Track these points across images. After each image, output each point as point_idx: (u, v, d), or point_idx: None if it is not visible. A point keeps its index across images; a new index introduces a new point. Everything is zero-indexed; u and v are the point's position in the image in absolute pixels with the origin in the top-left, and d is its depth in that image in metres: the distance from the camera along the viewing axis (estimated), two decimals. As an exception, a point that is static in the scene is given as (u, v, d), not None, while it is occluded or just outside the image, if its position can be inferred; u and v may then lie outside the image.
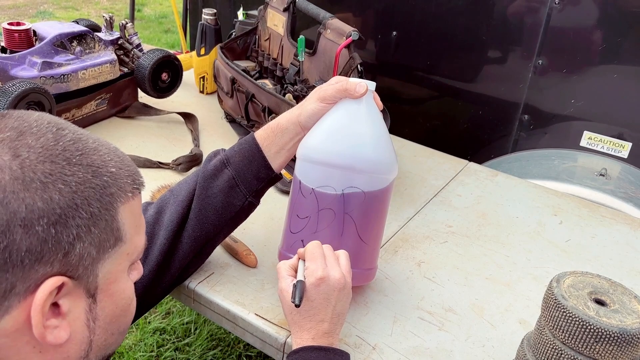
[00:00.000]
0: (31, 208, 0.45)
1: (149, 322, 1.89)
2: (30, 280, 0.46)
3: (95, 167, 0.50)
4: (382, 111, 1.15)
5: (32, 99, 1.08)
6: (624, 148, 1.44)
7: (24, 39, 1.17)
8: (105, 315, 0.54)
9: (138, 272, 0.60)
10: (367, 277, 0.85)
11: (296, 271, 0.76)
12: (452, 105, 1.71)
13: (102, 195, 0.50)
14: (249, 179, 0.83)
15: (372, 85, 0.80)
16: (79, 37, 1.25)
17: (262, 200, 0.88)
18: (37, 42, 1.20)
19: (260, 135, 0.85)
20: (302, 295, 0.70)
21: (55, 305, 0.49)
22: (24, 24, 1.18)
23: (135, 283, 0.77)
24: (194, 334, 1.85)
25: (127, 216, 0.53)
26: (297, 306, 0.69)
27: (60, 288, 0.48)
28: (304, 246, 0.80)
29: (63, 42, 1.22)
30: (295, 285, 0.71)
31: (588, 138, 1.48)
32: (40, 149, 0.47)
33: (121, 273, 0.55)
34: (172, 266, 0.81)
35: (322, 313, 0.71)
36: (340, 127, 0.79)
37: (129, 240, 0.54)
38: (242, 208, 0.84)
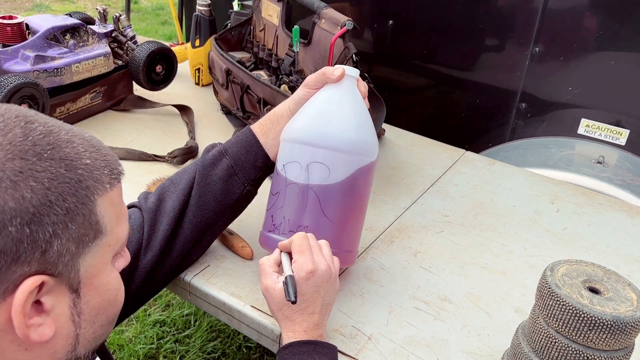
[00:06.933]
0: (2, 209, 0.43)
1: (149, 315, 1.89)
2: (8, 281, 0.45)
3: (69, 161, 0.48)
4: (378, 101, 1.16)
5: (25, 93, 1.07)
6: (622, 135, 1.43)
7: (17, 33, 1.17)
8: (91, 309, 0.53)
9: (125, 259, 0.58)
10: (344, 260, 0.84)
11: (279, 265, 0.75)
12: (449, 94, 1.70)
13: (77, 189, 0.48)
14: (247, 167, 0.85)
15: (354, 71, 0.83)
16: (72, 30, 1.24)
17: (258, 192, 0.88)
18: (30, 35, 1.19)
19: (258, 124, 0.88)
20: (296, 290, 0.69)
21: (37, 302, 0.47)
22: (16, 18, 1.17)
23: (138, 269, 0.77)
24: (194, 326, 1.86)
25: (107, 208, 0.51)
26: (294, 302, 0.68)
27: (40, 287, 0.47)
28: (273, 222, 0.82)
29: (56, 36, 1.21)
30: (285, 283, 0.70)
31: (586, 126, 1.47)
32: (8, 145, 0.45)
33: (104, 265, 0.53)
34: (173, 251, 0.82)
35: (313, 305, 0.72)
36: (314, 107, 0.83)
37: (110, 232, 0.52)
38: (240, 196, 0.85)
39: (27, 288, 0.45)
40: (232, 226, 0.92)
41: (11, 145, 0.46)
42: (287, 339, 0.71)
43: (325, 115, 0.81)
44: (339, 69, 0.82)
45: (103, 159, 0.52)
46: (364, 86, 0.85)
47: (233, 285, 0.86)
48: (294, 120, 0.83)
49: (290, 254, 0.75)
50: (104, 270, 0.53)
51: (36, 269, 0.46)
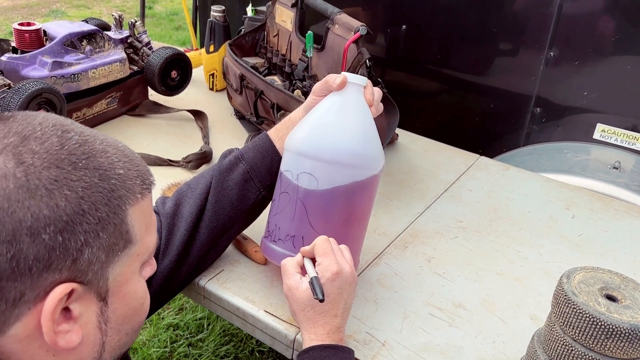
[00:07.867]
0: (37, 216, 0.44)
1: (163, 318, 1.90)
2: (39, 287, 0.45)
3: (103, 170, 0.49)
4: (392, 105, 1.16)
5: (43, 98, 1.09)
6: (638, 140, 1.42)
7: (35, 39, 1.18)
8: (117, 317, 0.53)
9: (151, 268, 0.59)
10: None
11: (302, 268, 0.75)
12: (463, 98, 1.70)
13: (109, 198, 0.49)
14: (262, 173, 0.85)
15: (360, 79, 0.80)
16: (88, 36, 1.26)
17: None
18: (47, 42, 1.21)
19: (274, 129, 0.88)
20: (322, 289, 0.70)
21: (66, 309, 0.48)
22: (34, 24, 1.19)
23: (156, 274, 0.77)
24: (207, 330, 1.87)
25: (137, 217, 0.52)
26: (322, 301, 0.69)
27: (70, 294, 0.47)
28: (268, 228, 0.83)
29: (73, 42, 1.22)
30: (312, 283, 0.70)
31: (601, 130, 1.46)
32: (44, 154, 0.46)
33: (132, 274, 0.54)
34: (190, 256, 0.82)
35: (335, 308, 0.72)
36: (310, 117, 0.82)
37: (139, 241, 0.53)
38: (256, 201, 0.86)
39: (57, 295, 0.46)
40: (246, 231, 0.92)
41: (48, 153, 0.46)
42: (308, 341, 0.71)
43: (319, 126, 0.79)
44: (340, 77, 0.79)
45: (135, 169, 0.52)
46: (370, 94, 0.81)
47: (247, 289, 0.86)
48: (294, 129, 0.82)
49: (312, 259, 0.75)
50: (132, 280, 0.54)
51: (66, 276, 0.47)
